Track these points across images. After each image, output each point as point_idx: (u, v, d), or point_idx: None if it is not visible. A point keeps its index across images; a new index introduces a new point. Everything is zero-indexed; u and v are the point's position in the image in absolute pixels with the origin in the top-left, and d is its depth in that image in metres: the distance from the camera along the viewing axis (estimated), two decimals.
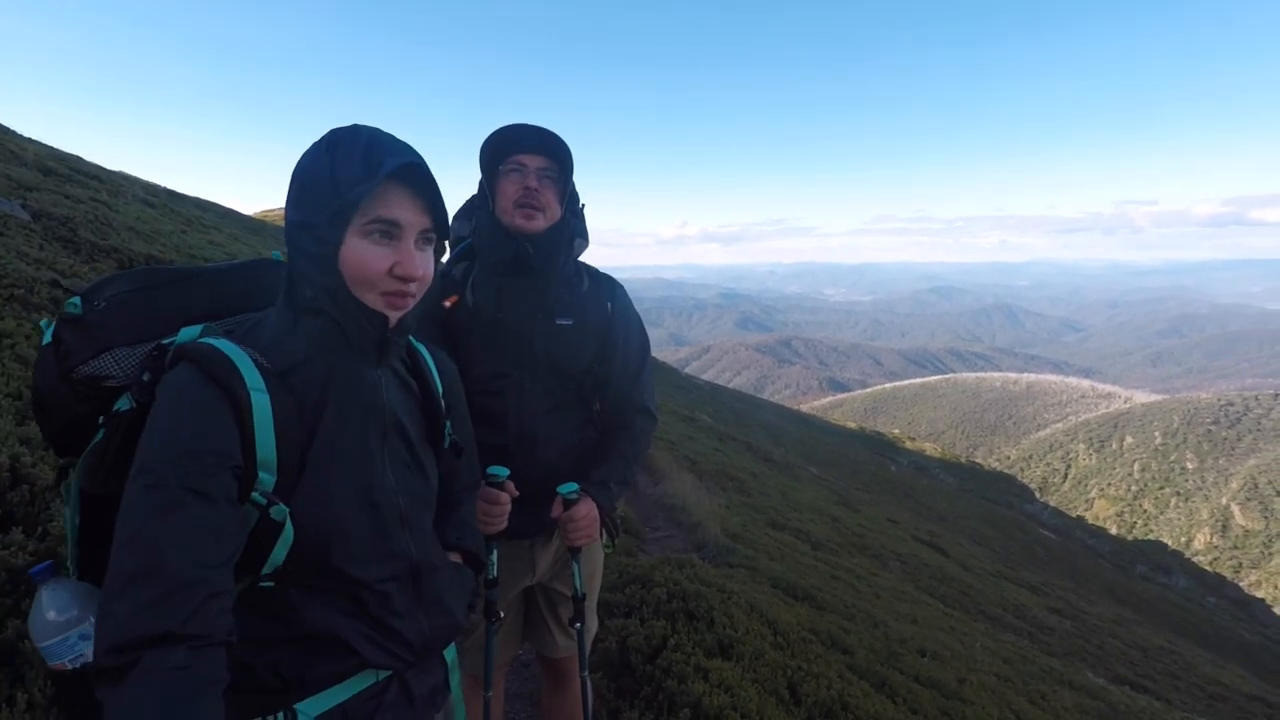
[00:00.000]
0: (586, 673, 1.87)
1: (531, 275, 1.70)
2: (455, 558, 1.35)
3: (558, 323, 1.73)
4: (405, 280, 1.04)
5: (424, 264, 1.07)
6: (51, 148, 14.12)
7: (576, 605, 1.80)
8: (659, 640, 3.41)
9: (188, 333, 1.06)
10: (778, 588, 5.51)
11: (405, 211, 1.03)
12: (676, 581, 4.10)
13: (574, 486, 1.70)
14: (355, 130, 1.04)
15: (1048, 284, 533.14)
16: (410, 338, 1.28)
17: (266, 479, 0.98)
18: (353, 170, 0.99)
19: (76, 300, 1.06)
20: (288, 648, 1.05)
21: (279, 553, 1.00)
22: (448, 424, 1.30)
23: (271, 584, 1.03)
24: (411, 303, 1.08)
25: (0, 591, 2.00)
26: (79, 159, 14.58)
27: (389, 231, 1.02)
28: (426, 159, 1.05)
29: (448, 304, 1.71)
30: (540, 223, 1.65)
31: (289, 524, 0.99)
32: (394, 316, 1.07)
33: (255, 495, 0.97)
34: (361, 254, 1.02)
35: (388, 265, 1.02)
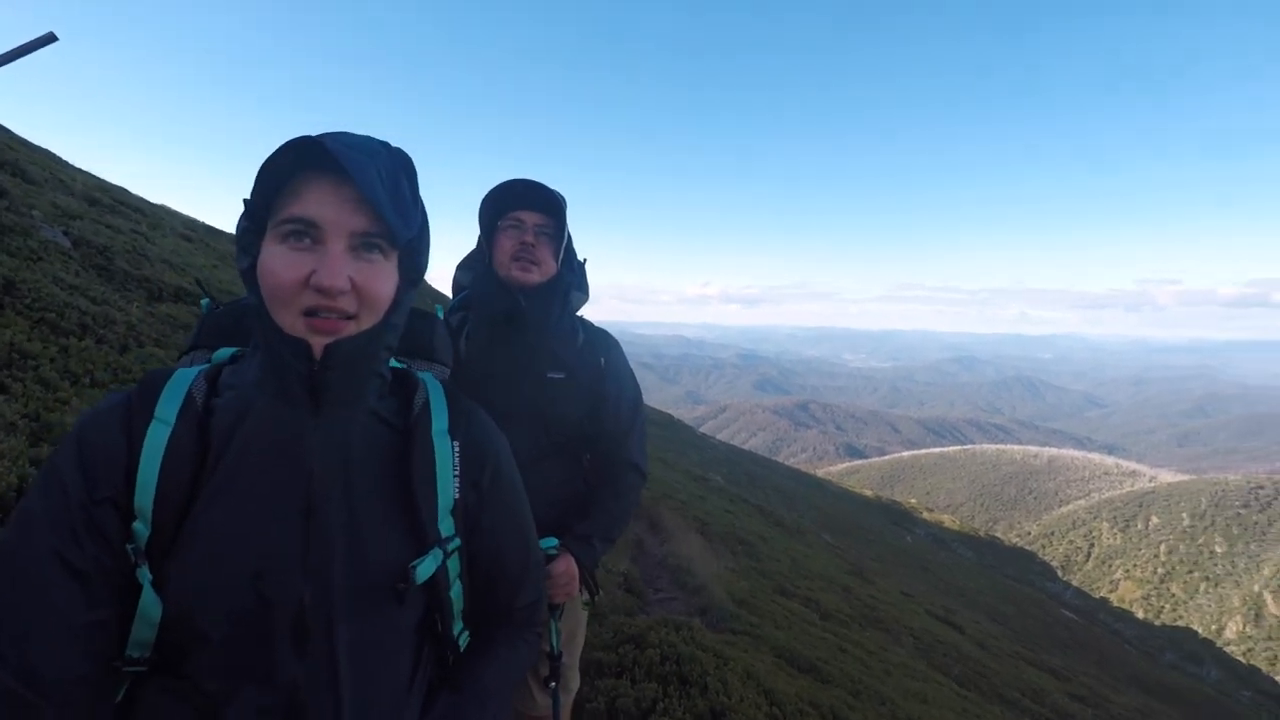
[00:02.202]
0: None
1: (525, 328, 1.71)
2: None
3: (549, 376, 1.74)
4: (326, 293, 0.81)
5: (367, 275, 0.84)
6: (100, 179, 14.67)
7: (552, 664, 1.75)
8: (648, 704, 3.30)
9: (221, 352, 0.99)
10: (781, 657, 5.34)
11: (325, 208, 0.82)
12: (671, 644, 3.98)
13: (553, 541, 1.68)
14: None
15: (1070, 358, 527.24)
16: (441, 395, 1.01)
17: (141, 530, 0.82)
18: (280, 166, 0.83)
19: (206, 300, 1.11)
20: None
21: (142, 630, 0.82)
22: (436, 551, 0.92)
23: (143, 670, 0.83)
24: (348, 328, 0.84)
25: None
26: (125, 191, 15.13)
27: (307, 233, 0.82)
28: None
29: None
30: (536, 276, 1.69)
31: (148, 592, 0.80)
32: (318, 343, 0.83)
33: (128, 547, 0.81)
34: (272, 261, 0.82)
35: (302, 274, 0.81)
